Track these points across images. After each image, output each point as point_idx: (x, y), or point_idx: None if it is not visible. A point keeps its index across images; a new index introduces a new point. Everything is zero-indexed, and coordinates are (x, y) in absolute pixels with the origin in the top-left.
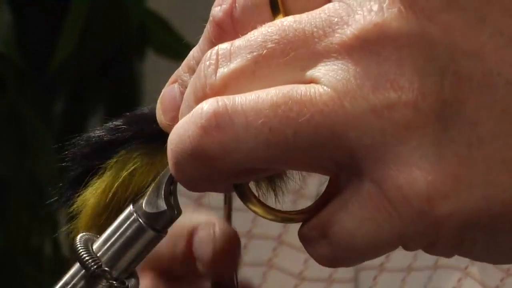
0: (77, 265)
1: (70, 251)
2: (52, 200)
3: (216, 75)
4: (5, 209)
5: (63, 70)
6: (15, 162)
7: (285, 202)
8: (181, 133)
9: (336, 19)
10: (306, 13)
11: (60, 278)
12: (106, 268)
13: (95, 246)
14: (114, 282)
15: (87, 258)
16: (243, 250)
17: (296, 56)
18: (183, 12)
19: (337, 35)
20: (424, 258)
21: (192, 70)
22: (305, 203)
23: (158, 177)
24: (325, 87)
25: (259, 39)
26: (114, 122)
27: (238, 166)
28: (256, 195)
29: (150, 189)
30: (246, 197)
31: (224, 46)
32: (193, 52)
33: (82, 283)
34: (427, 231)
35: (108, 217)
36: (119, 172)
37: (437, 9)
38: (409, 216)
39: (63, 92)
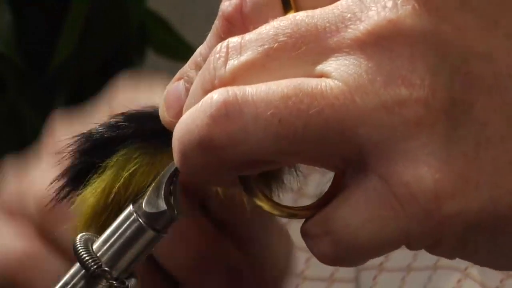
0: (77, 265)
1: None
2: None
3: (225, 67)
4: None
5: (63, 70)
6: None
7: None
8: (188, 123)
9: (349, 15)
10: (319, 8)
11: (60, 278)
12: (106, 268)
13: (95, 246)
14: (114, 282)
15: (87, 258)
16: None
17: (308, 50)
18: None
19: (349, 30)
20: (424, 258)
21: (198, 67)
22: (306, 202)
23: (158, 177)
24: (336, 81)
25: (270, 33)
26: (115, 119)
27: (245, 157)
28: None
29: (150, 189)
30: (252, 191)
31: (234, 40)
32: (200, 49)
33: (82, 283)
34: (432, 230)
35: (108, 217)
36: (119, 171)
37: (451, 9)
38: (415, 213)
39: (63, 92)
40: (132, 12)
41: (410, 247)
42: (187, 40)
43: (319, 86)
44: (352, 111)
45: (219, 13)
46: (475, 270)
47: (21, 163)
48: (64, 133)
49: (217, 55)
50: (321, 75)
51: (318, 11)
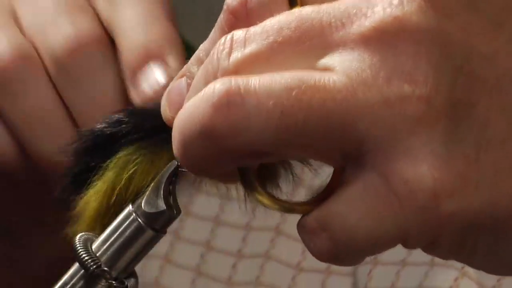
0: (76, 265)
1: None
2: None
3: (229, 59)
4: None
5: None
6: None
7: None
8: (190, 112)
9: (354, 11)
10: (325, 4)
11: (59, 278)
12: (105, 268)
13: (94, 246)
14: (114, 282)
15: (86, 258)
16: (242, 243)
17: (312, 44)
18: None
19: (355, 26)
20: (419, 253)
21: (201, 63)
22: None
23: (158, 177)
24: (339, 75)
25: (276, 26)
26: (116, 115)
27: (246, 147)
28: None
29: (149, 189)
30: (251, 184)
31: (239, 33)
32: (203, 45)
33: (81, 283)
34: (430, 228)
35: (110, 218)
36: (120, 172)
37: (457, 9)
38: (413, 211)
39: None
40: None
41: (407, 245)
42: (187, 40)
43: (322, 79)
44: (353, 105)
45: (224, 7)
46: (472, 268)
47: None
48: None
49: (221, 48)
50: (325, 69)
51: (324, 6)
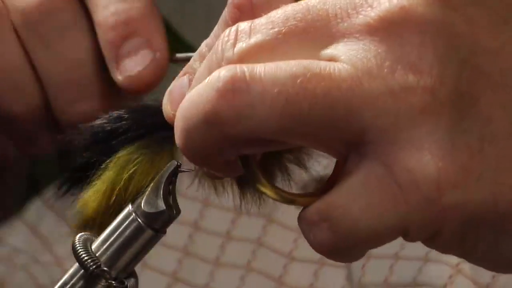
0: (76, 265)
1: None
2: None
3: (234, 50)
4: None
5: None
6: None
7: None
8: (194, 99)
9: (360, 2)
10: None
11: (59, 278)
12: (105, 268)
13: (94, 246)
14: (113, 282)
15: (86, 258)
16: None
17: (318, 34)
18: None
19: (360, 16)
20: (412, 247)
21: (203, 59)
22: None
23: (157, 177)
24: (344, 65)
25: (281, 17)
26: (116, 112)
27: (249, 133)
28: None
29: (149, 189)
30: (254, 174)
31: (244, 24)
32: (206, 41)
33: (81, 283)
34: (432, 220)
35: (109, 218)
36: (119, 172)
37: (463, 2)
38: (416, 201)
39: None
40: None
41: (408, 238)
42: (187, 40)
43: (327, 68)
44: (358, 94)
45: (229, 1)
46: (467, 266)
47: None
48: None
49: (226, 39)
50: (330, 59)
51: None
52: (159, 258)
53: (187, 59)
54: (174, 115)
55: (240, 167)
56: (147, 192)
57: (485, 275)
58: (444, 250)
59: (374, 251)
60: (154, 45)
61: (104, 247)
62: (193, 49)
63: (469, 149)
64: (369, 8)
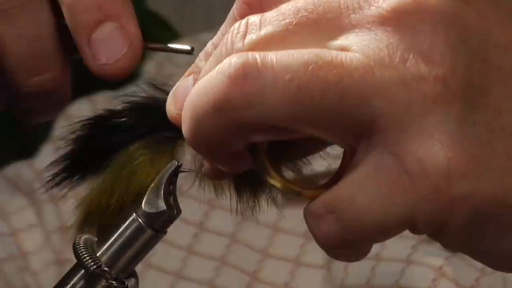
0: (77, 265)
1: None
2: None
3: (244, 41)
4: None
5: None
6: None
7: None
8: (203, 86)
9: None
10: None
11: (60, 278)
12: (106, 268)
13: (94, 246)
14: (114, 282)
15: (86, 258)
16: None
17: (329, 26)
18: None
19: (372, 8)
20: (393, 248)
21: (209, 57)
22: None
23: (158, 177)
24: (356, 54)
25: (292, 9)
26: (118, 111)
27: (260, 120)
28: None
29: (150, 189)
30: (263, 164)
31: (254, 17)
32: (213, 39)
33: (81, 282)
34: (440, 210)
35: (109, 217)
36: (119, 172)
37: None
38: (426, 190)
39: None
40: None
41: (415, 229)
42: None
43: (339, 57)
44: (370, 83)
45: None
46: (450, 268)
47: None
48: None
49: (236, 31)
50: (342, 49)
51: None
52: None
53: (161, 49)
54: (178, 115)
55: (246, 160)
56: (147, 193)
57: (468, 277)
58: (450, 244)
59: None
60: (129, 31)
61: (105, 247)
62: (179, 36)
63: (479, 140)
64: (381, 0)
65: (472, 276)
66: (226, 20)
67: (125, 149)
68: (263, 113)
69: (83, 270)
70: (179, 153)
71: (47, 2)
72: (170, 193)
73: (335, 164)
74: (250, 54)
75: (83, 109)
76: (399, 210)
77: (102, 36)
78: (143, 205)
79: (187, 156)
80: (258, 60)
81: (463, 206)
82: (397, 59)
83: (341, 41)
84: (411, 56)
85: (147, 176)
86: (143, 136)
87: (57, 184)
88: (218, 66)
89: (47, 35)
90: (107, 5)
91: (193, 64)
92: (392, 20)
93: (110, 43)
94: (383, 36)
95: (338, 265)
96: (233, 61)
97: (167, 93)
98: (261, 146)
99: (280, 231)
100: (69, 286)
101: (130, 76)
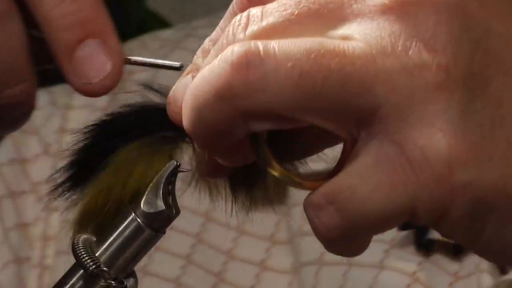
0: (75, 265)
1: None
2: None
3: (245, 32)
4: None
5: None
6: None
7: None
8: (205, 76)
9: None
10: None
11: (59, 278)
12: (105, 268)
13: (93, 246)
14: (113, 282)
15: (85, 258)
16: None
17: (331, 16)
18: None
19: None
20: (365, 253)
21: (207, 54)
22: None
23: (156, 177)
24: (359, 43)
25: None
26: (116, 111)
27: (262, 108)
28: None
29: (148, 189)
30: (264, 154)
31: (255, 9)
32: (210, 36)
33: (80, 283)
34: (442, 198)
35: (106, 216)
36: (117, 171)
37: None
38: (427, 178)
39: None
40: (132, 12)
41: (416, 219)
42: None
43: (341, 45)
44: (372, 71)
45: None
46: (423, 274)
47: None
48: None
49: (237, 23)
50: (344, 38)
51: None
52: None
53: (147, 64)
54: (178, 114)
55: (246, 152)
56: (146, 193)
57: (442, 282)
58: (450, 234)
59: (327, 258)
60: (111, 47)
61: (104, 247)
62: (169, 26)
63: (480, 129)
64: None
65: (446, 280)
66: (225, 15)
67: (123, 148)
68: (265, 101)
69: (82, 270)
70: (178, 153)
71: (18, 15)
72: (169, 193)
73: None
74: (252, 43)
75: (41, 101)
76: (401, 199)
77: (86, 54)
78: (142, 205)
79: (185, 157)
80: (261, 48)
81: (464, 194)
82: (400, 48)
83: (343, 30)
84: (413, 44)
85: (145, 176)
86: (141, 136)
87: (62, 193)
88: (220, 55)
89: (20, 48)
90: (90, 22)
91: (192, 63)
92: (394, 9)
93: (94, 60)
94: (385, 25)
95: (309, 271)
96: (235, 49)
97: (164, 94)
98: (262, 135)
99: (244, 234)
100: (68, 286)
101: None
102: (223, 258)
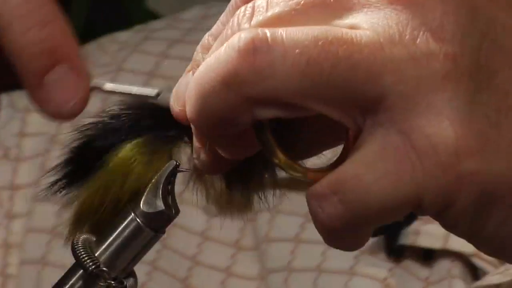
0: (75, 265)
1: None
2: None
3: (250, 23)
4: None
5: None
6: None
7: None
8: (211, 63)
9: None
10: None
11: (58, 278)
12: (104, 268)
13: (93, 246)
14: (112, 282)
15: (85, 258)
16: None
17: (337, 5)
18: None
19: None
20: (335, 259)
21: (208, 49)
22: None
23: (156, 177)
24: (366, 31)
25: None
26: (116, 110)
27: (268, 94)
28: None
29: (148, 189)
30: (268, 142)
31: (260, 0)
32: (210, 31)
33: (80, 283)
34: (448, 187)
35: (103, 215)
36: (115, 170)
37: None
38: (434, 167)
39: None
40: (132, 12)
41: (421, 210)
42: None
43: (349, 33)
44: (380, 60)
45: None
46: (394, 280)
47: None
48: None
49: (242, 14)
50: (351, 27)
51: None
52: None
53: (116, 91)
54: (181, 111)
55: (249, 142)
56: (145, 192)
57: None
58: (453, 225)
59: (296, 264)
60: (80, 72)
61: (103, 247)
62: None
63: (487, 119)
64: None
65: (417, 286)
66: (226, 10)
67: (123, 147)
68: (272, 88)
69: (81, 270)
70: (177, 153)
71: None
72: (169, 193)
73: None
74: (260, 29)
75: (4, 105)
76: (406, 188)
77: (56, 80)
78: (141, 205)
79: (183, 157)
80: (268, 34)
81: (470, 184)
82: (407, 36)
83: (349, 20)
84: (421, 33)
85: (143, 175)
86: (140, 135)
87: (58, 190)
88: (226, 43)
89: None
90: (59, 48)
91: (192, 60)
92: None
93: (64, 86)
94: (392, 14)
95: (277, 277)
96: (242, 35)
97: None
98: (267, 123)
99: (209, 239)
100: (67, 286)
101: None
102: (188, 264)
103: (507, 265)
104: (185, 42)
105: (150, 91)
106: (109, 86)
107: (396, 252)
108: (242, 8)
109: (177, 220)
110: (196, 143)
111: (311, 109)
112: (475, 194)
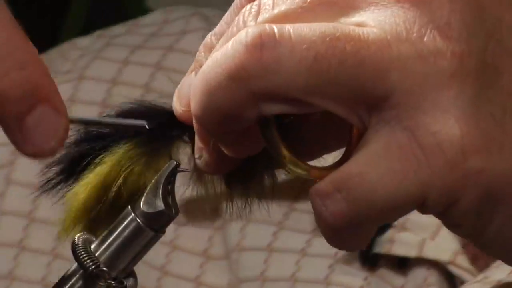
0: (75, 265)
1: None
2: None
3: (256, 21)
4: None
5: None
6: None
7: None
8: (217, 59)
9: None
10: None
11: (58, 278)
12: (104, 268)
13: (93, 246)
14: (112, 282)
15: (85, 258)
16: None
17: (344, 3)
18: None
19: None
20: (310, 269)
21: (211, 49)
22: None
23: (156, 176)
24: (373, 29)
25: None
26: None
27: (275, 90)
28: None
29: (148, 188)
30: (273, 139)
31: None
32: (213, 31)
33: (80, 283)
34: (453, 185)
35: (99, 213)
36: (113, 168)
37: None
38: (440, 165)
39: None
40: (132, 12)
41: (425, 208)
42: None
43: (356, 30)
44: (387, 57)
45: None
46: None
47: None
48: None
49: (247, 12)
50: (358, 25)
51: None
52: None
53: (102, 123)
54: (184, 111)
55: (254, 140)
56: (145, 192)
57: None
58: (456, 224)
59: (270, 273)
60: (60, 110)
61: (104, 247)
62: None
63: (492, 118)
64: None
65: None
66: (230, 9)
67: (122, 145)
68: (279, 82)
69: (81, 270)
70: (177, 153)
71: None
72: (169, 193)
73: None
74: (267, 25)
75: None
76: (412, 186)
77: (36, 121)
78: (141, 205)
79: (183, 157)
80: (276, 30)
81: (476, 182)
82: (415, 34)
83: (356, 18)
84: (428, 31)
85: (142, 175)
86: (141, 134)
87: (54, 186)
88: (233, 38)
89: None
90: (39, 88)
91: (194, 60)
92: None
93: (45, 126)
94: (400, 12)
95: (250, 287)
96: (249, 30)
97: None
98: (272, 119)
99: (177, 249)
100: (67, 286)
101: None
102: (157, 274)
103: (486, 273)
104: (147, 48)
105: (139, 123)
106: (95, 120)
107: (371, 260)
108: (248, 6)
109: None
110: (199, 142)
111: (317, 105)
112: (480, 193)
